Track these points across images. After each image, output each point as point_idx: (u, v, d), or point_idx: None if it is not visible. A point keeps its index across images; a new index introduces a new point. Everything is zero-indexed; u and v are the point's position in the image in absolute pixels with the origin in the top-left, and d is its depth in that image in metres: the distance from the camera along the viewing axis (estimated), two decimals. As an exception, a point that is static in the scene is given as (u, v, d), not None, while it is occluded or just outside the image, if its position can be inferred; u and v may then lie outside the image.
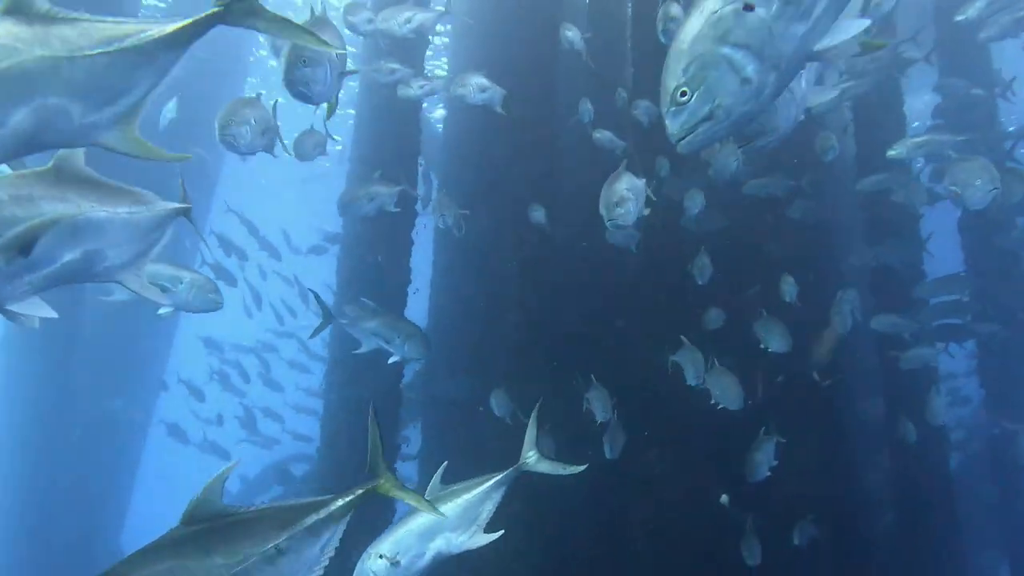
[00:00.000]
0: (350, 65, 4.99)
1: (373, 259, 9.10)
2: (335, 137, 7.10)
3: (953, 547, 9.48)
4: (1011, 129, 10.96)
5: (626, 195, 5.15)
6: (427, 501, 3.15)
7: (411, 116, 9.31)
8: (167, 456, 21.80)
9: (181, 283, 5.39)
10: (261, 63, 20.48)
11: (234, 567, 2.40)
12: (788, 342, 7.00)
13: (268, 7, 2.57)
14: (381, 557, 3.62)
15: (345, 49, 4.54)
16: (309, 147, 6.95)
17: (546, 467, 4.23)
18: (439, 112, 16.33)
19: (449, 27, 12.35)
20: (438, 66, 17.46)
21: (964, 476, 11.10)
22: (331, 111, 5.12)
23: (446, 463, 4.14)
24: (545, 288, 8.61)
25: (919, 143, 7.99)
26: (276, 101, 5.38)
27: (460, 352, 9.00)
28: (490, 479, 4.00)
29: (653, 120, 7.50)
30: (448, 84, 7.71)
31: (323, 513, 2.73)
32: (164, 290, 5.36)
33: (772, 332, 7.05)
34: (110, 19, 2.46)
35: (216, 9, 2.53)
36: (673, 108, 2.38)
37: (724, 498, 7.33)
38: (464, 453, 8.46)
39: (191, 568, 2.32)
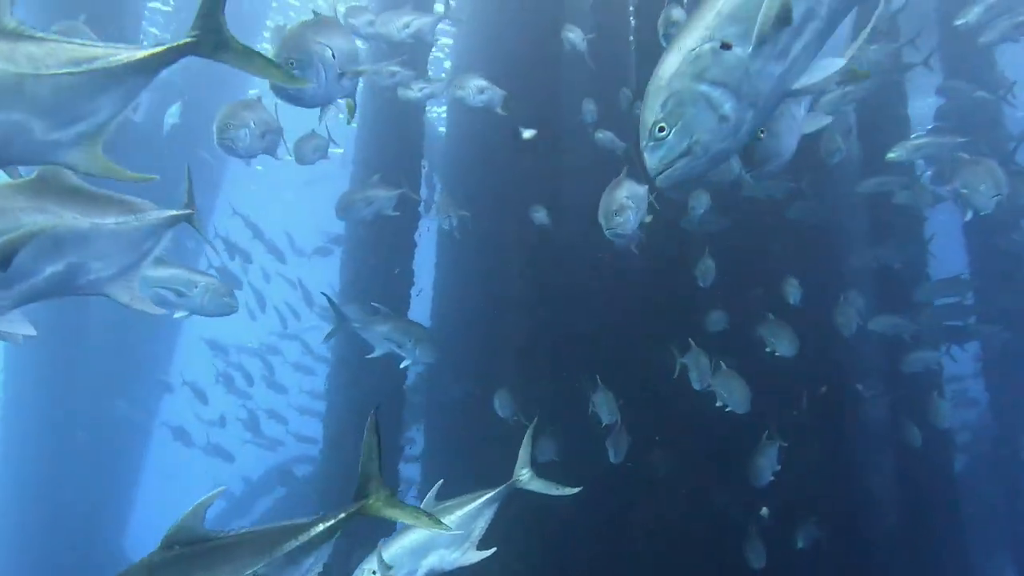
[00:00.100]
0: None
1: (379, 263, 9.11)
2: (335, 141, 7.08)
3: (958, 549, 9.45)
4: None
5: (626, 203, 5.09)
6: (427, 516, 2.93)
7: (414, 118, 9.32)
8: (171, 458, 21.81)
9: (196, 287, 5.38)
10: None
11: None
12: (796, 346, 6.95)
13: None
14: (374, 573, 3.60)
15: (355, 47, 4.36)
16: (309, 151, 6.93)
17: (539, 486, 4.24)
18: (436, 112, 16.35)
19: (453, 29, 12.37)
20: (443, 68, 17.47)
21: (970, 478, 11.08)
22: (351, 111, 5.01)
23: (442, 482, 4.14)
24: (548, 289, 8.61)
25: (918, 145, 8.00)
26: (278, 103, 5.37)
27: (463, 354, 9.00)
28: (483, 495, 4.00)
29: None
30: (448, 86, 7.68)
31: (304, 539, 2.63)
32: (179, 294, 5.35)
33: (780, 336, 7.01)
34: (79, 41, 2.46)
35: (188, 40, 2.53)
36: (651, 143, 2.40)
37: (764, 511, 7.28)
38: (467, 455, 8.46)
39: None
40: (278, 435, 20.30)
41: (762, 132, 2.85)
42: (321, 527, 2.68)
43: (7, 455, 13.72)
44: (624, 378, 7.40)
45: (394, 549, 3.66)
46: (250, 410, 19.70)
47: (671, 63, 2.39)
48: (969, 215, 6.46)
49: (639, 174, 5.83)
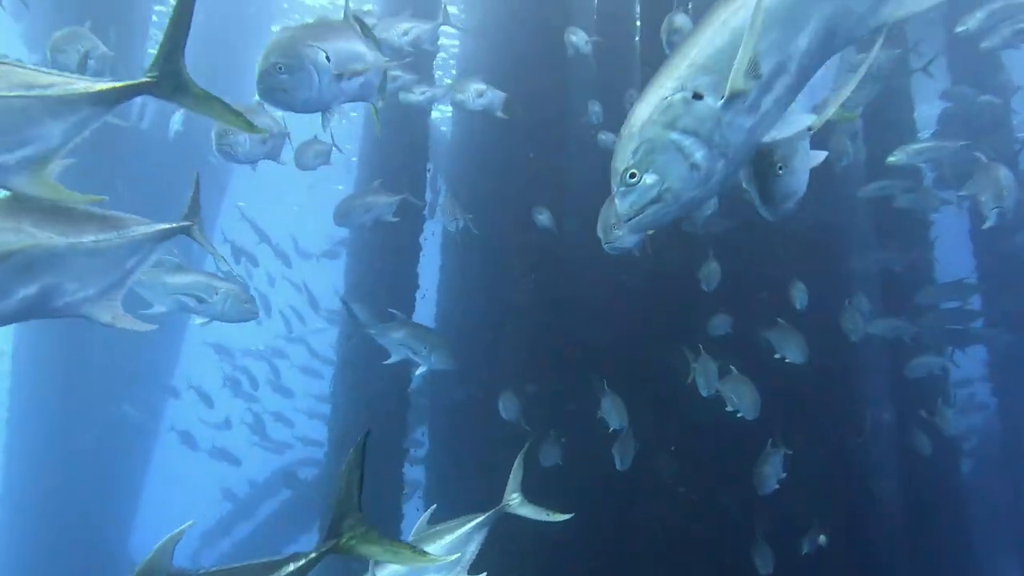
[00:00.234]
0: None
1: (384, 266, 9.12)
2: (338, 147, 7.06)
3: (964, 552, 9.40)
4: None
5: None
6: (410, 550, 2.65)
7: (419, 122, 9.33)
8: (176, 461, 21.88)
9: (216, 293, 5.36)
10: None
11: None
12: (805, 352, 6.90)
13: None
14: None
15: (358, 48, 4.18)
16: (310, 156, 6.90)
17: (529, 511, 4.21)
18: (441, 111, 16.37)
19: (458, 32, 12.38)
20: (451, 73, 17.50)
21: (977, 482, 11.02)
22: (376, 114, 5.00)
23: (435, 507, 4.14)
24: (552, 292, 8.61)
25: (919, 149, 7.99)
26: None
27: (467, 357, 9.00)
28: (473, 520, 3.99)
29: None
30: (449, 90, 7.69)
31: None
32: (199, 301, 5.34)
33: (788, 341, 6.96)
34: (34, 67, 2.46)
35: (146, 80, 2.51)
36: (622, 189, 2.42)
37: (822, 539, 7.25)
38: (471, 458, 8.46)
39: None
40: (285, 438, 20.33)
41: (780, 168, 2.84)
42: (291, 567, 2.51)
43: (14, 459, 13.78)
44: (629, 381, 7.39)
45: (387, 572, 3.63)
46: (255, 413, 19.73)
47: (643, 111, 2.42)
48: (989, 222, 6.39)
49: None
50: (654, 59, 7.33)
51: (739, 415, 6.61)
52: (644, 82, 8.20)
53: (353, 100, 4.41)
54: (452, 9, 13.92)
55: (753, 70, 2.31)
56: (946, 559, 9.11)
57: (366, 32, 4.37)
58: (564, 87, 9.36)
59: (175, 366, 17.10)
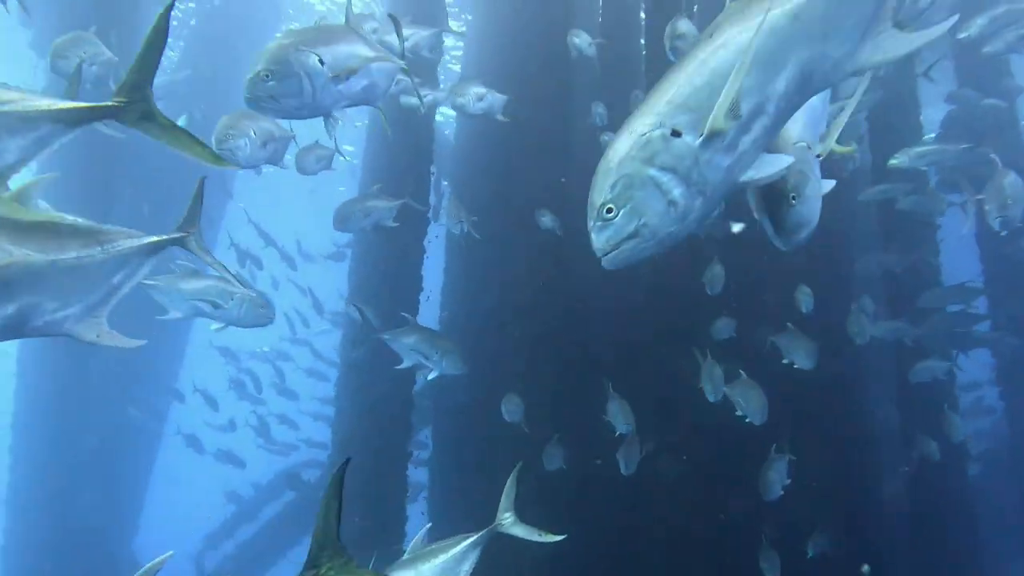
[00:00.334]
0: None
1: (388, 268, 9.13)
2: (341, 152, 7.03)
3: (973, 558, 9.35)
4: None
5: None
6: None
7: (424, 124, 9.33)
8: (181, 463, 21.92)
9: (232, 299, 5.34)
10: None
11: None
12: (814, 358, 6.83)
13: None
14: None
15: (356, 50, 4.09)
16: (311, 161, 6.88)
17: (521, 531, 4.20)
18: (445, 112, 16.41)
19: (461, 34, 12.39)
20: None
21: (985, 486, 10.96)
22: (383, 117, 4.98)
23: (429, 524, 4.13)
24: (557, 294, 8.60)
25: (921, 153, 7.98)
26: None
27: (471, 359, 9.00)
28: (466, 539, 3.99)
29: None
30: (449, 93, 7.64)
31: None
32: (215, 306, 5.33)
33: (797, 347, 6.88)
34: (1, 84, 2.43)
35: (112, 104, 2.48)
36: (599, 223, 2.42)
37: (866, 569, 7.23)
38: (475, 459, 8.45)
39: None
40: (290, 441, 20.36)
41: (794, 198, 2.84)
42: None
43: (19, 460, 13.81)
44: (633, 384, 7.37)
45: None
46: (260, 416, 19.75)
47: (621, 146, 2.43)
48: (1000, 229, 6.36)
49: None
50: (658, 62, 7.34)
51: (747, 420, 6.58)
52: (649, 85, 8.22)
53: (357, 103, 4.33)
54: (456, 14, 13.97)
55: (734, 110, 2.34)
56: (954, 564, 9.05)
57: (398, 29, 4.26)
58: (568, 89, 9.36)
59: (179, 369, 17.14)
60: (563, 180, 8.60)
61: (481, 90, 7.22)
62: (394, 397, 8.70)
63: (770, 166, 2.49)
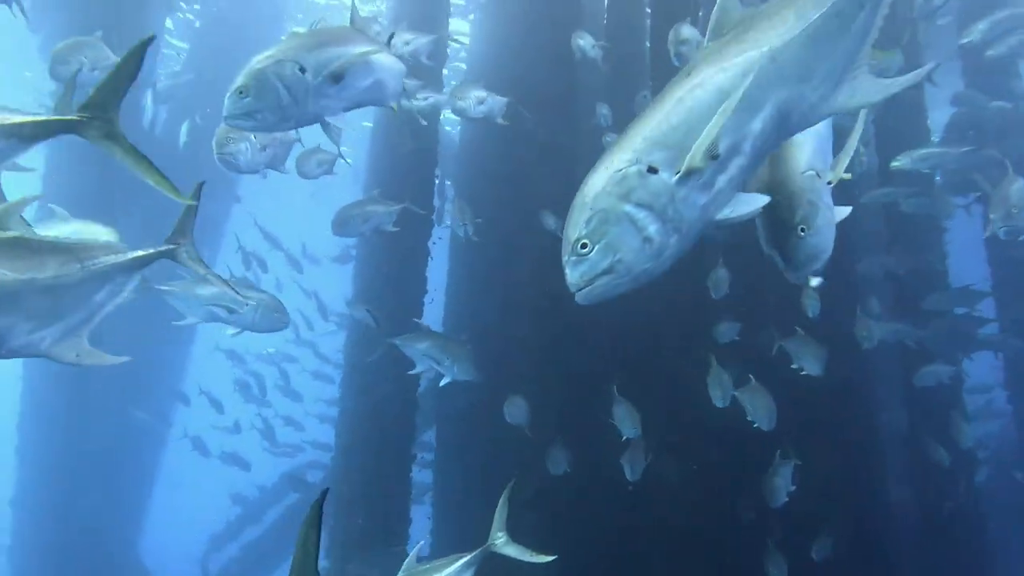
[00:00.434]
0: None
1: (392, 270, 9.13)
2: (344, 158, 7.01)
3: (981, 562, 9.30)
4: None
5: None
6: None
7: (429, 127, 9.31)
8: (186, 466, 21.95)
9: (247, 304, 5.32)
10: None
11: None
12: (823, 364, 6.73)
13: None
14: None
15: (341, 52, 3.89)
16: (312, 165, 6.86)
17: (514, 551, 4.21)
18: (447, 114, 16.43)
19: (462, 43, 12.40)
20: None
21: (995, 489, 10.90)
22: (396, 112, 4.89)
23: (421, 543, 4.14)
24: (560, 297, 8.55)
25: (923, 155, 7.95)
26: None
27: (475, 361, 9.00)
28: (459, 559, 4.02)
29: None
30: (450, 97, 7.57)
31: None
32: (231, 311, 5.32)
33: (806, 352, 6.79)
34: None
35: (75, 119, 2.44)
36: (573, 258, 2.41)
37: None
38: (479, 461, 8.44)
39: None
40: (296, 443, 20.38)
41: (803, 230, 2.81)
42: None
43: (25, 462, 13.85)
44: (638, 386, 7.33)
45: None
46: (265, 419, 19.78)
47: (597, 181, 2.42)
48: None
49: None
50: (664, 64, 7.32)
51: (755, 425, 6.54)
52: (654, 87, 8.20)
53: (363, 104, 4.25)
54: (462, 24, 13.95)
55: (711, 149, 2.34)
56: (962, 567, 9.00)
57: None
58: (574, 91, 9.36)
59: (185, 371, 17.18)
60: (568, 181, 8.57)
61: (482, 93, 7.19)
62: (398, 398, 8.69)
63: (746, 205, 2.50)
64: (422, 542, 4.16)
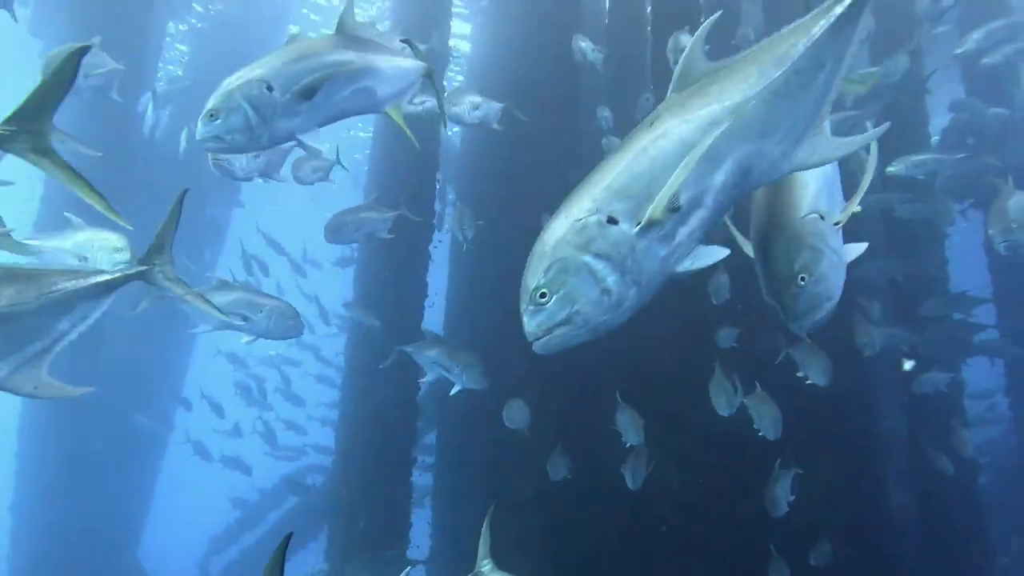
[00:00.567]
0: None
1: (392, 275, 9.13)
2: (343, 164, 6.99)
3: (982, 566, 9.28)
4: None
5: None
6: None
7: (430, 131, 9.33)
8: (186, 470, 21.93)
9: (260, 311, 5.34)
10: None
11: None
12: (829, 373, 6.63)
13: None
14: None
15: (307, 66, 3.73)
16: (307, 171, 6.86)
17: None
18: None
19: (468, 39, 12.42)
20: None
21: (997, 495, 10.88)
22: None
23: (410, 568, 4.08)
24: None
25: (917, 161, 7.96)
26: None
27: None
28: None
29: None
30: (445, 102, 7.57)
31: None
32: (244, 319, 5.31)
33: (813, 362, 6.70)
34: None
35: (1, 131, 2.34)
36: (531, 307, 2.40)
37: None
38: (479, 464, 8.42)
39: None
40: (298, 446, 20.37)
41: (803, 278, 2.73)
42: None
43: (25, 466, 13.83)
44: (640, 391, 7.33)
45: None
46: (266, 422, 19.77)
47: (557, 229, 2.40)
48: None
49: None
50: (664, 69, 7.35)
51: (760, 434, 6.51)
52: (656, 90, 8.17)
53: (348, 116, 4.10)
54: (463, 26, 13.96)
55: (673, 202, 2.33)
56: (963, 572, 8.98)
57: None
58: (575, 94, 9.38)
59: (185, 374, 17.17)
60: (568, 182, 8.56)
61: (477, 99, 7.16)
62: (398, 401, 8.68)
63: (707, 257, 2.49)
64: (410, 567, 4.09)
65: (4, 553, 14.08)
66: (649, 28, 9.33)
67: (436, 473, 9.67)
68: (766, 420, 6.48)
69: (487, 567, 4.02)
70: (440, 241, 9.57)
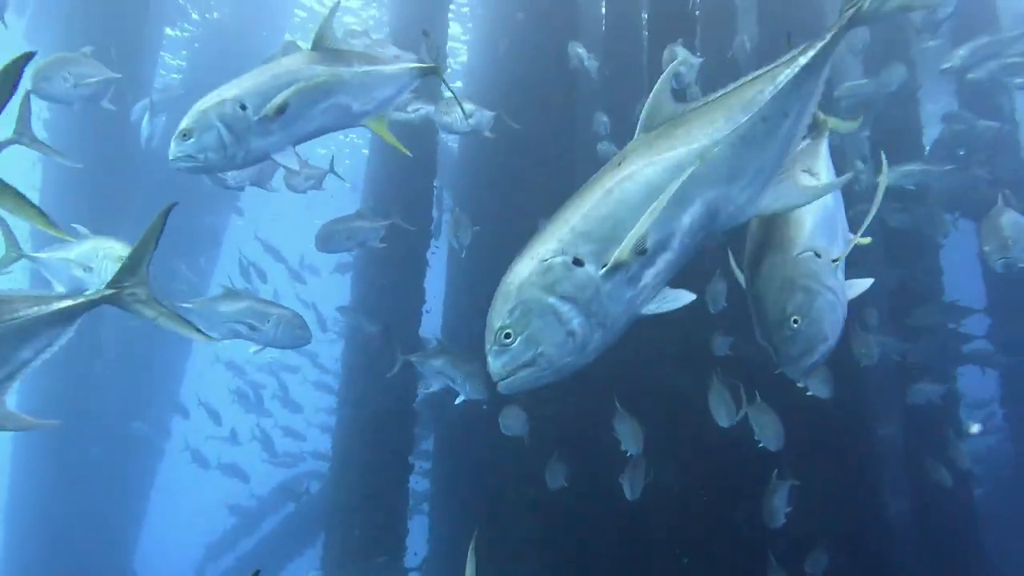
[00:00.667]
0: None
1: (389, 282, 9.13)
2: (338, 174, 6.97)
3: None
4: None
5: None
6: None
7: (427, 138, 9.35)
8: (183, 477, 21.85)
9: (268, 320, 5.33)
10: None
11: None
12: (831, 385, 6.60)
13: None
14: None
15: (283, 81, 3.66)
16: (300, 180, 6.86)
17: None
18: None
19: (464, 43, 12.45)
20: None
21: (993, 505, 10.88)
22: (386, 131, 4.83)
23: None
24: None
25: (906, 172, 8.00)
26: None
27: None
28: None
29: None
30: (436, 111, 7.32)
31: None
32: (252, 328, 5.30)
33: (816, 374, 6.58)
34: None
35: None
36: (496, 347, 2.37)
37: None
38: (476, 469, 8.41)
39: None
40: (296, 453, 20.32)
41: (796, 320, 2.64)
42: None
43: (19, 472, 13.77)
44: (638, 398, 7.32)
45: None
46: (263, 429, 19.73)
47: (522, 270, 2.39)
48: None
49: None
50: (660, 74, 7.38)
51: (761, 445, 6.48)
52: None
53: (329, 131, 4.03)
54: (458, 28, 13.98)
55: (639, 244, 2.33)
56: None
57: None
58: (572, 100, 9.42)
59: (182, 381, 17.13)
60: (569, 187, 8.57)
61: (470, 107, 7.15)
62: (396, 407, 8.67)
63: (673, 301, 2.48)
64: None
65: (-2, 558, 14.03)
66: (645, 34, 9.39)
67: (433, 479, 9.66)
68: (767, 431, 6.45)
69: None
70: (438, 247, 9.57)
